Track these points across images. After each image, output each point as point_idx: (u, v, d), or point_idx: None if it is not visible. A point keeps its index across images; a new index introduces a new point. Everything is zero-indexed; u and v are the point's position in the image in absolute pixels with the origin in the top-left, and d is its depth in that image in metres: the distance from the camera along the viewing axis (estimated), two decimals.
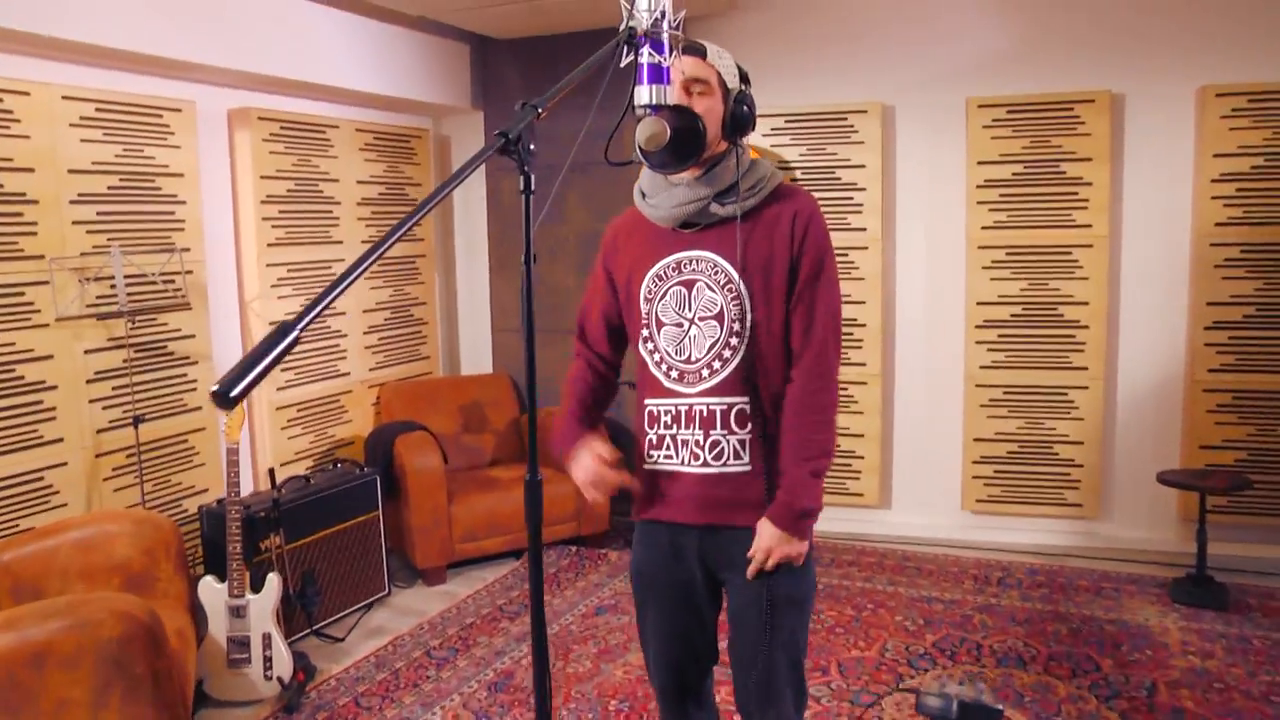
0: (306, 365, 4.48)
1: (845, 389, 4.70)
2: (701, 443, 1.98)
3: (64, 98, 3.37)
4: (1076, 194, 4.25)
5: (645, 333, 2.04)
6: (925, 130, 4.55)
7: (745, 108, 1.97)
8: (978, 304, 4.45)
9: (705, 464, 1.98)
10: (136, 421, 3.52)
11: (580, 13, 4.55)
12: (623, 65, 1.88)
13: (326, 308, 1.14)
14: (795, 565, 1.97)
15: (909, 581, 4.20)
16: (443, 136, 5.54)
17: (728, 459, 1.97)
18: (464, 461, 4.88)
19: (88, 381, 3.48)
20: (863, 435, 4.70)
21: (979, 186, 4.38)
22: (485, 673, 3.51)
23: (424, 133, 5.22)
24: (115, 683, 2.51)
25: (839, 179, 4.61)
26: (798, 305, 1.97)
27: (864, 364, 4.66)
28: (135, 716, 2.54)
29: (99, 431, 3.52)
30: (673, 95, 1.91)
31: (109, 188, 3.52)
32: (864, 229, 4.59)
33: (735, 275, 1.94)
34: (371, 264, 1.20)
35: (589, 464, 2.05)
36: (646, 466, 2.08)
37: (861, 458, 4.72)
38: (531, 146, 1.51)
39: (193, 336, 3.87)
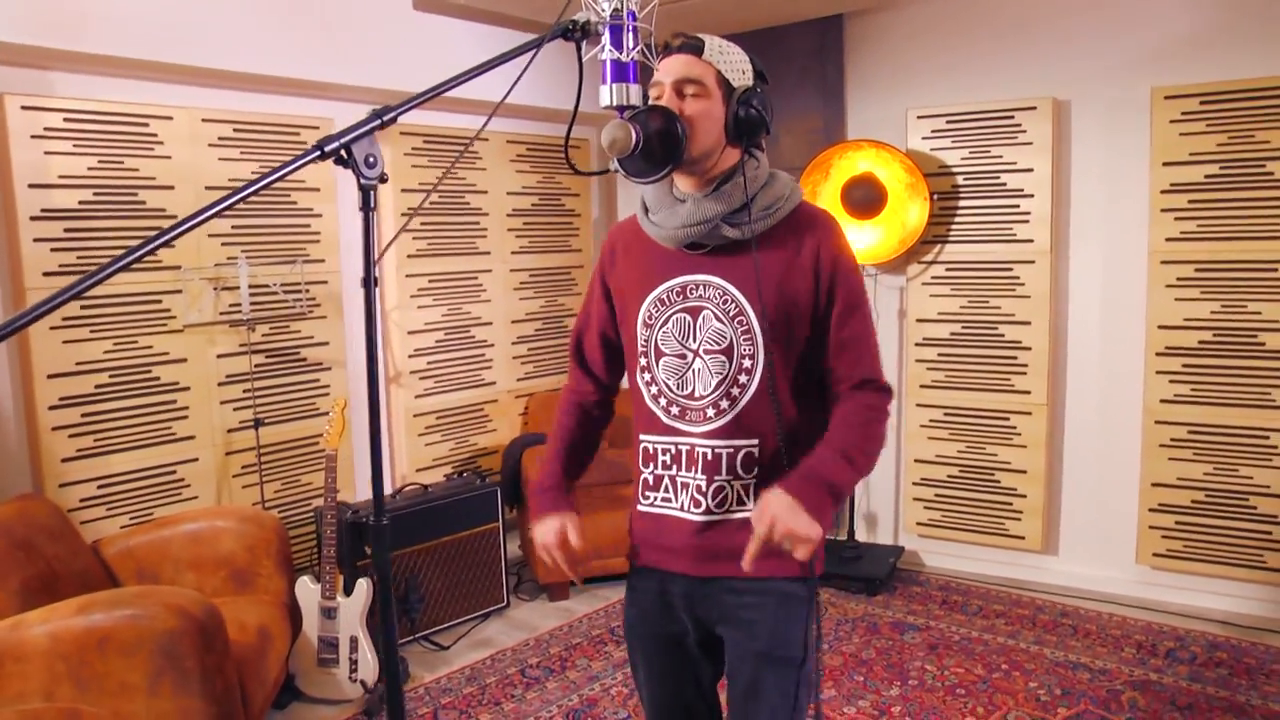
0: (446, 375, 4.59)
1: (1006, 418, 4.21)
2: (704, 488, 1.77)
3: (204, 120, 3.64)
4: None
5: (643, 361, 1.84)
6: (1102, 128, 3.98)
7: (752, 108, 1.72)
8: (1159, 328, 3.82)
9: (708, 511, 1.78)
10: (257, 424, 3.73)
11: (737, 11, 4.36)
12: (584, 60, 1.76)
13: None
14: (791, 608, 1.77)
15: (1059, 642, 3.68)
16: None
17: (731, 504, 1.77)
18: (605, 477, 4.79)
19: (219, 384, 3.73)
20: (1025, 472, 4.18)
21: (1164, 192, 3.77)
22: (570, 698, 3.42)
23: (583, 143, 5.23)
24: (167, 672, 2.63)
25: (1004, 185, 4.13)
26: (840, 342, 1.79)
27: (1028, 392, 4.14)
28: (185, 706, 2.65)
29: (229, 431, 3.77)
30: (636, 95, 1.74)
31: (245, 203, 3.76)
32: (1030, 240, 4.08)
33: (748, 307, 1.73)
34: (86, 289, 1.12)
35: (552, 540, 1.86)
36: (641, 508, 1.89)
37: (1024, 496, 4.20)
38: (371, 158, 1.40)
39: (326, 344, 4.06)
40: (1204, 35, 3.73)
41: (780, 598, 1.78)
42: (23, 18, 3.06)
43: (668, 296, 1.81)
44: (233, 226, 3.73)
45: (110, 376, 3.44)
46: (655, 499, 1.86)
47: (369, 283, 1.42)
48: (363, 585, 3.41)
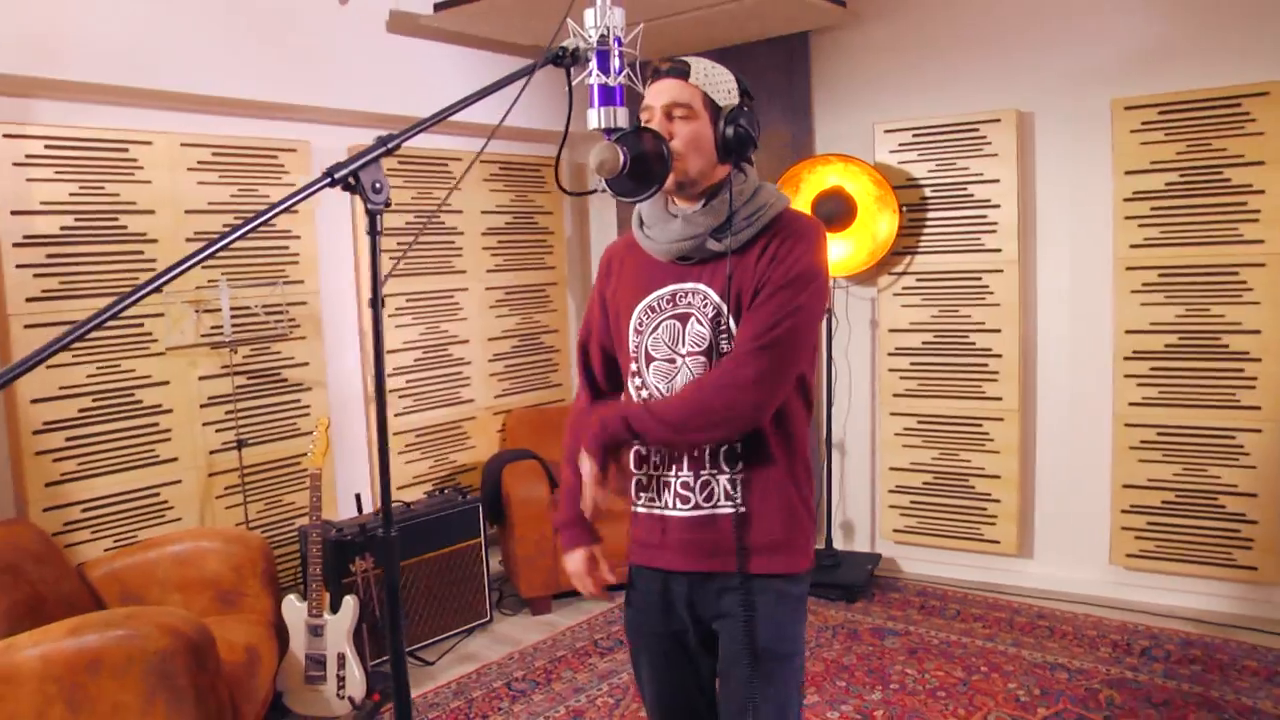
0: (425, 392, 4.62)
1: (979, 425, 4.29)
2: (691, 484, 1.86)
3: (183, 144, 3.66)
4: (1244, 204, 3.66)
5: (634, 367, 1.94)
6: (1065, 139, 4.09)
7: (739, 127, 1.80)
8: (1126, 332, 3.92)
9: (696, 506, 1.87)
10: (240, 444, 3.75)
11: (701, 30, 4.45)
12: (571, 86, 1.81)
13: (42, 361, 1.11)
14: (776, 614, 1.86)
15: (1036, 643, 3.75)
16: (578, 164, 5.59)
17: (718, 500, 1.85)
18: None
19: (201, 406, 3.74)
20: (999, 477, 4.27)
21: (1126, 200, 3.88)
22: (557, 709, 3.45)
23: (555, 161, 5.27)
24: (160, 692, 2.65)
25: (971, 195, 4.23)
26: (752, 310, 1.78)
27: (999, 398, 4.23)
28: None
29: (212, 452, 3.78)
30: (623, 118, 1.83)
31: (224, 225, 3.79)
32: (998, 250, 4.18)
33: (724, 308, 1.81)
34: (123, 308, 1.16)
35: (581, 569, 2.03)
36: (637, 509, 1.99)
37: (998, 501, 4.28)
38: (378, 184, 1.45)
39: (306, 364, 4.08)
40: (1161, 47, 3.85)
41: (775, 596, 1.86)
42: (3, 47, 3.09)
43: (658, 304, 1.90)
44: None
45: (93, 400, 3.45)
46: (644, 499, 1.95)
47: (376, 303, 1.46)
48: (348, 602, 3.43)
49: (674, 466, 1.88)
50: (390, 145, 1.49)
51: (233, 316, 3.73)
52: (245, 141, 3.85)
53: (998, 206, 4.17)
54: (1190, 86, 3.75)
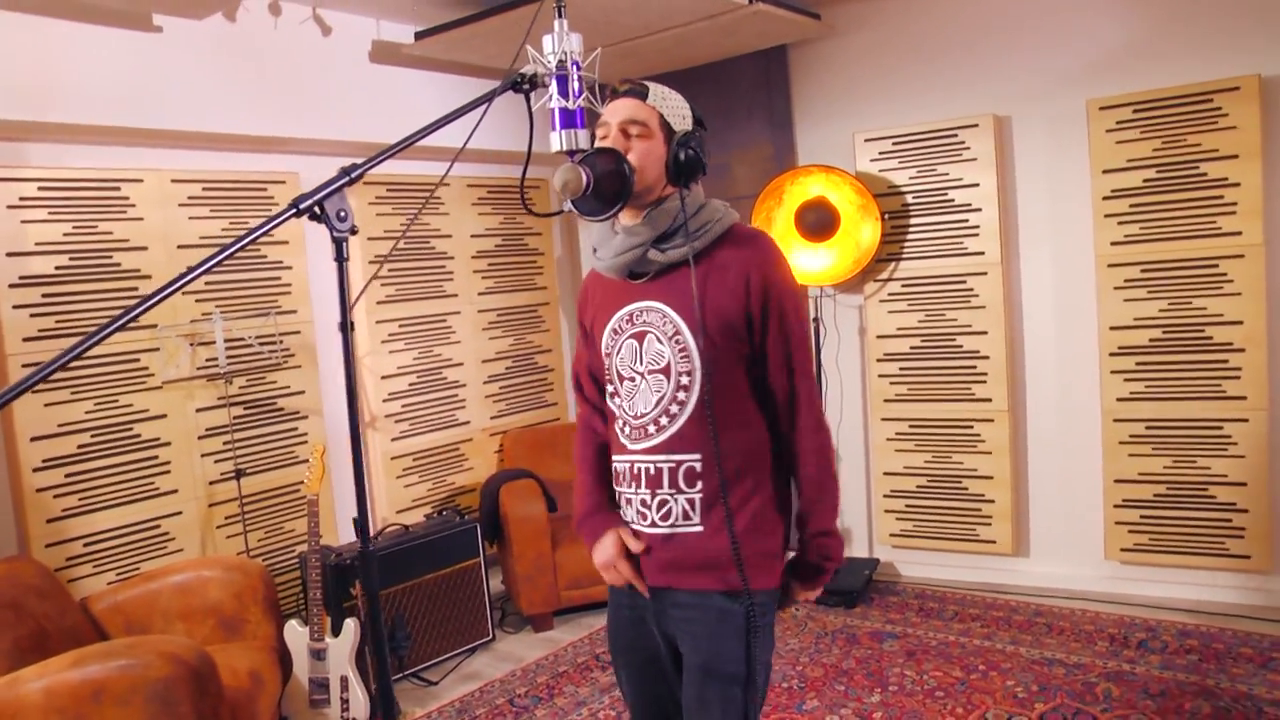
0: (421, 417, 4.67)
1: (970, 427, 4.33)
2: (649, 502, 1.89)
3: (173, 180, 3.74)
4: (1221, 197, 3.70)
5: (610, 388, 1.99)
6: (1042, 141, 4.15)
7: (690, 151, 1.85)
8: (1111, 329, 3.96)
9: (654, 524, 1.89)
10: (239, 474, 3.80)
11: (679, 49, 4.51)
12: (532, 111, 1.86)
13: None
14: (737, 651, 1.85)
15: (1034, 641, 3.78)
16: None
17: (676, 519, 1.87)
18: None
19: (199, 437, 3.80)
20: (992, 478, 4.30)
21: (1105, 198, 3.92)
22: None
23: (542, 183, 5.35)
24: (162, 719, 2.69)
25: (952, 200, 4.28)
26: (776, 359, 1.87)
27: (989, 400, 4.27)
28: None
29: (211, 483, 3.83)
30: (584, 140, 1.86)
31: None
32: (981, 253, 4.22)
33: (684, 327, 1.84)
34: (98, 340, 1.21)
35: (613, 554, 1.94)
36: None
37: (991, 501, 4.31)
38: (342, 212, 1.51)
39: (302, 392, 4.14)
40: (1133, 47, 3.90)
41: (719, 613, 1.85)
42: None
43: (619, 325, 1.94)
44: (206, 283, 3.81)
45: (92, 436, 3.51)
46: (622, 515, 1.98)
47: (345, 327, 1.51)
48: (350, 625, 3.47)
49: (635, 484, 1.90)
50: (354, 175, 1.54)
51: (227, 348, 3.79)
52: (235, 176, 3.92)
53: (979, 210, 4.22)
54: (1163, 84, 3.80)
